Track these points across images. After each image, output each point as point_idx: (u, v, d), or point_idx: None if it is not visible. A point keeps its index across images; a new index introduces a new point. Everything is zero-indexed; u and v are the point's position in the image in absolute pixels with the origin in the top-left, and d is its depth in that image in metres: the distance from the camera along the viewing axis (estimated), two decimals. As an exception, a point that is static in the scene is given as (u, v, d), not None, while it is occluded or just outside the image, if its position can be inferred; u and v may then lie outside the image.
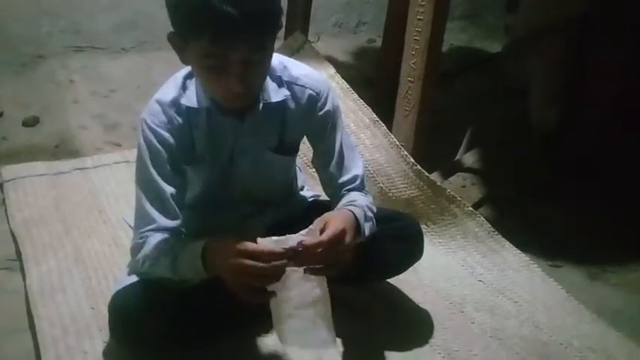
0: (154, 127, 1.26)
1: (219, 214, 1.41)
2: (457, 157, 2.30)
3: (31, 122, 2.45)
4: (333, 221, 1.19)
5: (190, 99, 1.27)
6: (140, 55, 3.07)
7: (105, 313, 1.30)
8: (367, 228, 1.30)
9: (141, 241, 1.26)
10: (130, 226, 1.75)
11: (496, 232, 1.85)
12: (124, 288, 1.29)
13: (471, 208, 1.89)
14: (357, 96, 2.07)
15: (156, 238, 1.25)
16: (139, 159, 1.28)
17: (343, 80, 2.15)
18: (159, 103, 1.27)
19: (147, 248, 1.24)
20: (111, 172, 2.11)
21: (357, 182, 1.40)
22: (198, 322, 1.32)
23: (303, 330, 1.22)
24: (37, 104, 2.58)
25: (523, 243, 1.85)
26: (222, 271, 1.15)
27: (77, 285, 1.55)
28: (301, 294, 1.19)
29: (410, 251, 1.50)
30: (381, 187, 1.94)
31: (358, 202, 1.32)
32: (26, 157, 2.19)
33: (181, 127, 1.28)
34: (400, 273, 1.54)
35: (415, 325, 1.53)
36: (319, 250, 1.13)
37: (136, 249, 1.27)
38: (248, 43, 1.10)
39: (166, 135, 1.26)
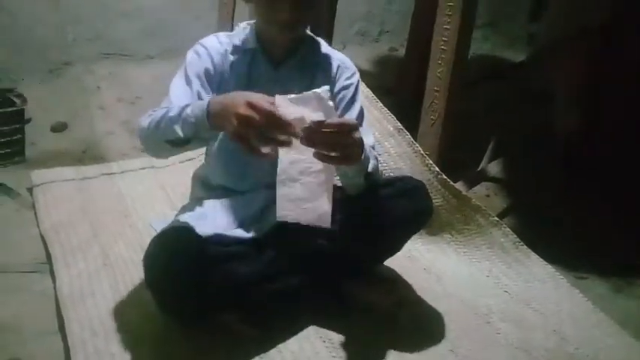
0: (205, 45, 1.42)
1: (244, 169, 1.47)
2: (481, 167, 2.30)
3: (59, 128, 2.50)
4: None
5: (239, 41, 1.44)
6: (165, 61, 3.10)
7: (132, 317, 1.31)
8: (371, 164, 1.37)
9: (153, 112, 1.31)
10: (156, 231, 1.77)
11: (521, 243, 1.84)
12: (172, 229, 1.35)
13: (496, 218, 1.88)
14: (381, 104, 2.07)
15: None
16: (180, 67, 1.40)
17: (368, 89, 2.15)
18: (215, 35, 1.46)
19: (156, 112, 1.29)
20: (137, 177, 2.14)
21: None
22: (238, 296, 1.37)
23: (302, 198, 1.23)
24: (65, 110, 2.62)
25: (548, 254, 1.84)
26: (225, 119, 1.14)
27: (105, 289, 1.57)
28: (308, 160, 1.19)
29: (416, 206, 1.50)
30: (405, 196, 1.94)
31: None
32: (54, 162, 2.23)
33: (225, 60, 1.42)
34: (413, 231, 1.57)
35: (440, 334, 1.52)
36: (329, 130, 1.14)
37: (145, 116, 1.32)
38: None
39: (212, 55, 1.41)
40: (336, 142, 1.17)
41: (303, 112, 1.13)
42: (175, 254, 1.27)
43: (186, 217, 1.44)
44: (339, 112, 1.45)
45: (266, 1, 1.34)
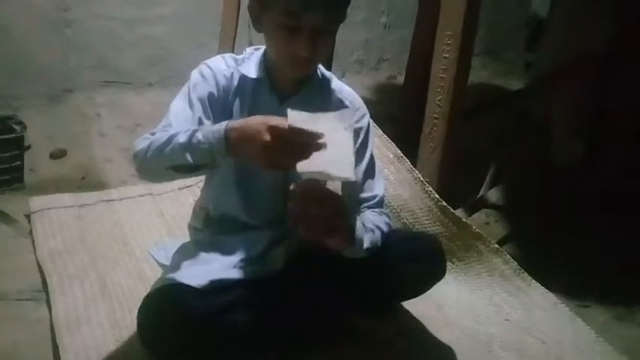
0: (210, 66, 1.37)
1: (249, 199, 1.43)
2: (480, 194, 2.29)
3: (58, 154, 2.49)
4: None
5: (246, 69, 1.38)
6: (165, 89, 3.11)
7: (129, 347, 1.29)
8: (367, 240, 1.31)
9: (151, 135, 1.25)
10: (154, 258, 1.76)
11: (522, 270, 1.83)
12: (158, 291, 1.29)
13: (496, 245, 1.87)
14: (381, 132, 2.08)
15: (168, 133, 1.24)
16: (184, 87, 1.35)
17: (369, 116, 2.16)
18: (222, 57, 1.40)
19: (157, 136, 1.23)
20: (136, 204, 2.13)
21: (376, 201, 1.45)
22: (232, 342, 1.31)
23: (324, 157, 1.12)
24: (64, 137, 2.62)
25: (549, 281, 1.82)
26: (249, 149, 1.11)
27: (102, 317, 1.55)
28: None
29: (429, 270, 1.49)
30: (405, 223, 1.93)
31: (360, 217, 1.36)
32: (53, 189, 2.22)
33: (230, 84, 1.37)
34: (423, 292, 1.53)
35: (441, 364, 1.50)
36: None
37: (142, 138, 1.26)
38: (323, 10, 1.22)
39: (218, 78, 1.35)
40: (321, 214, 1.14)
41: (320, 130, 1.09)
42: (166, 317, 1.24)
43: (182, 266, 1.40)
44: None
45: (283, 34, 1.26)
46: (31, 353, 1.46)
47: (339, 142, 1.11)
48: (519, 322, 1.68)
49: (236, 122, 1.16)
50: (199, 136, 1.16)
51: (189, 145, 1.17)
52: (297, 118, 1.10)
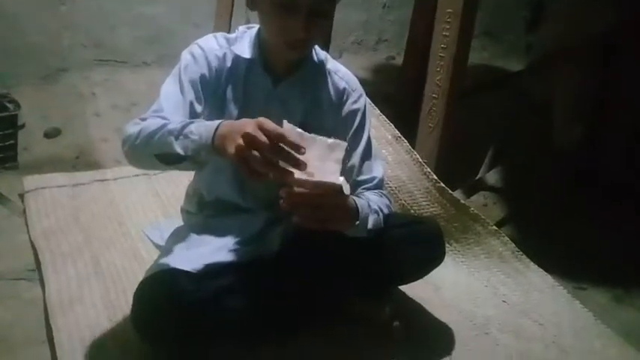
0: (201, 46, 1.32)
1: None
2: (479, 176, 2.28)
3: (53, 134, 2.46)
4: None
5: (239, 49, 1.33)
6: (161, 69, 3.07)
7: (123, 327, 1.27)
8: (371, 221, 1.29)
9: (141, 120, 1.21)
10: (149, 239, 1.75)
11: (520, 252, 1.82)
12: (152, 277, 1.27)
13: (494, 227, 1.86)
14: (379, 112, 2.06)
15: (160, 119, 1.20)
16: (175, 68, 1.31)
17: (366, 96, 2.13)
18: (214, 36, 1.35)
19: (148, 122, 1.19)
20: (130, 184, 2.10)
21: (375, 182, 1.42)
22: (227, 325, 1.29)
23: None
24: (59, 116, 2.59)
25: (547, 264, 1.82)
26: (229, 140, 1.06)
27: (96, 297, 1.53)
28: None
29: (430, 254, 1.47)
30: (403, 204, 1.92)
31: (365, 196, 1.34)
32: (47, 168, 2.19)
33: (223, 65, 1.32)
34: (422, 276, 1.51)
35: (438, 345, 1.49)
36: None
37: (133, 123, 1.22)
38: None
39: (210, 59, 1.31)
40: (320, 204, 1.11)
41: (308, 155, 1.05)
42: (161, 304, 1.21)
43: (176, 250, 1.37)
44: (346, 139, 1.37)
45: (279, 15, 1.22)
46: (24, 333, 1.44)
47: (326, 172, 1.07)
48: (517, 304, 1.67)
49: (228, 122, 1.13)
50: (192, 127, 1.13)
51: (180, 135, 1.13)
52: (290, 131, 1.05)
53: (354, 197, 1.29)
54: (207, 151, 1.12)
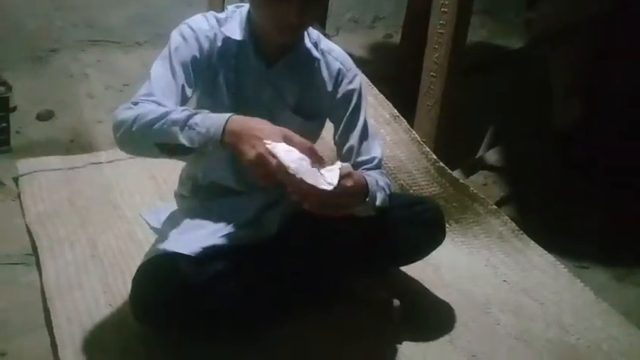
0: (192, 26, 1.28)
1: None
2: (479, 155, 2.26)
3: (46, 116, 2.43)
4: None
5: (229, 30, 1.29)
6: (154, 49, 3.02)
7: (122, 311, 1.26)
8: (379, 198, 1.28)
9: (133, 104, 1.18)
10: (147, 222, 1.73)
11: (520, 231, 1.81)
12: (149, 262, 1.26)
13: (494, 206, 1.85)
14: (377, 91, 2.04)
15: (153, 104, 1.17)
16: (164, 50, 1.27)
17: (363, 75, 2.10)
18: (204, 16, 1.31)
19: (144, 108, 1.15)
20: (125, 167, 2.08)
21: (374, 163, 1.41)
22: (227, 314, 1.28)
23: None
24: (52, 98, 2.56)
25: (547, 243, 1.81)
26: (244, 144, 1.07)
27: (94, 281, 1.52)
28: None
29: (430, 235, 1.46)
30: (402, 184, 1.90)
31: (371, 175, 1.32)
32: (40, 151, 2.17)
33: (214, 46, 1.29)
34: (422, 257, 1.51)
35: (438, 325, 1.49)
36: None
37: (125, 108, 1.17)
38: None
39: (200, 39, 1.27)
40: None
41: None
42: (161, 289, 1.20)
43: (172, 235, 1.35)
44: (341, 124, 1.39)
45: (270, 2, 1.19)
46: (22, 318, 1.43)
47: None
48: (517, 284, 1.67)
49: (241, 118, 1.10)
50: (197, 119, 1.10)
51: (185, 126, 1.10)
52: (283, 153, 1.04)
53: (364, 175, 1.26)
54: (215, 146, 1.10)
